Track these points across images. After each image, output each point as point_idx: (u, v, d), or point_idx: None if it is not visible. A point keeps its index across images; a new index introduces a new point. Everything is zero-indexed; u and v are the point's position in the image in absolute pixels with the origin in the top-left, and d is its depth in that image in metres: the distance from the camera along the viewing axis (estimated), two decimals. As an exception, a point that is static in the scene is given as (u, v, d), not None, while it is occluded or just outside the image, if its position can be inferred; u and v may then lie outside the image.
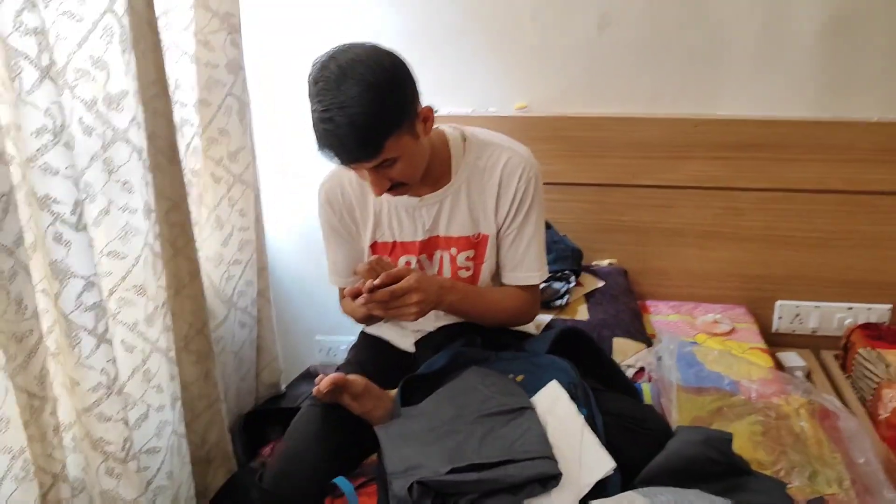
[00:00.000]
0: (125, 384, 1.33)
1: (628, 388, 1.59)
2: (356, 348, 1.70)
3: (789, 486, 1.39)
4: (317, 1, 2.08)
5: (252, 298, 1.98)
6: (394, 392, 1.49)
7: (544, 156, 1.60)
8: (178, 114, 1.66)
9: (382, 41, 1.31)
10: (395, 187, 1.40)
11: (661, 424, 1.44)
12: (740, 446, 1.42)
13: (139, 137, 1.33)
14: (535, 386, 1.42)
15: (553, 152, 2.01)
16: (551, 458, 1.23)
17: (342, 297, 1.63)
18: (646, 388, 1.74)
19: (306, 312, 2.35)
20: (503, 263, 1.58)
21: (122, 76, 1.27)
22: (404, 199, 1.51)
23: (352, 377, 1.43)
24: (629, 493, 1.23)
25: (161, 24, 1.46)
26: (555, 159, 2.01)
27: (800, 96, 1.98)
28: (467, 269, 1.56)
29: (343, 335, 2.37)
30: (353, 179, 1.53)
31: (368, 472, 1.47)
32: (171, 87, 1.56)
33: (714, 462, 1.32)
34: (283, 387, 2.21)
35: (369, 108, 1.24)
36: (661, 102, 2.04)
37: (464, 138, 1.52)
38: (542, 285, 1.79)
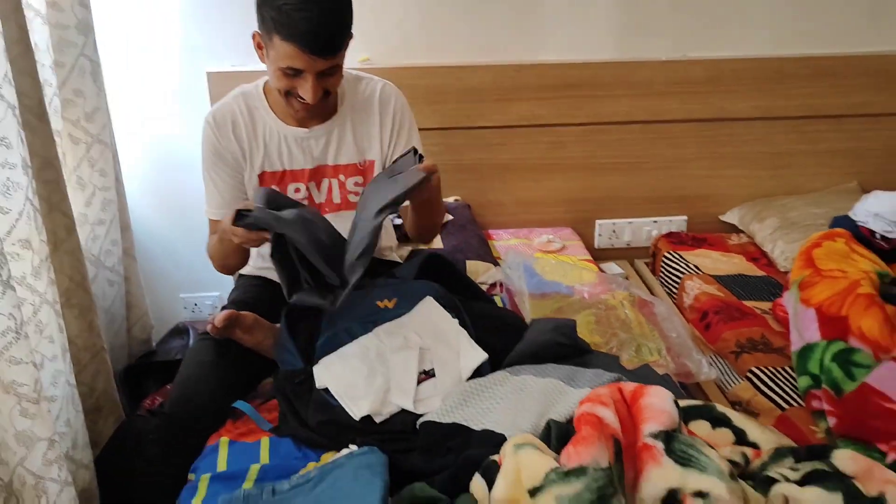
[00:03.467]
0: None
1: (486, 299, 1.84)
2: (238, 290, 1.80)
3: (621, 359, 1.70)
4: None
5: (118, 257, 2.02)
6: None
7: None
8: (41, 74, 1.67)
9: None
10: (321, 98, 1.52)
11: (518, 321, 1.69)
12: (580, 333, 1.70)
13: (11, 94, 1.35)
14: (408, 307, 1.60)
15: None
16: None
17: (213, 231, 1.68)
18: (498, 299, 2.00)
19: (170, 270, 2.39)
20: None
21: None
22: (293, 130, 1.63)
23: (242, 312, 1.55)
24: (498, 372, 1.47)
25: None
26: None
27: (605, 41, 2.30)
28: (356, 193, 1.71)
29: (207, 291, 2.45)
30: (244, 110, 1.62)
31: (263, 395, 1.61)
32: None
33: (563, 345, 1.57)
34: (154, 343, 2.26)
35: (342, 5, 1.43)
36: (489, 51, 2.28)
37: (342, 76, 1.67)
38: (399, 222, 2.01)
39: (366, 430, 1.38)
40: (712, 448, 1.09)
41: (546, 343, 1.57)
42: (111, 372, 1.81)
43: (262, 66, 1.53)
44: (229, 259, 1.65)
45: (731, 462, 1.17)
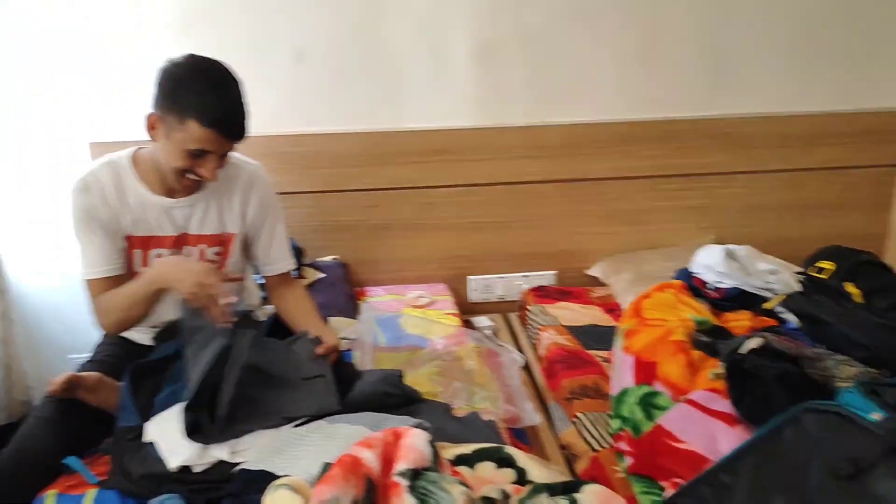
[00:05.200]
0: None
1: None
2: (100, 347, 1.88)
3: (453, 406, 1.81)
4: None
5: (-6, 321, 2.11)
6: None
7: (263, 169, 1.88)
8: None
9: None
10: None
11: (355, 374, 1.80)
12: (420, 384, 1.81)
13: None
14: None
15: (270, 166, 2.30)
16: None
17: (96, 292, 1.74)
18: (355, 354, 2.10)
19: (57, 332, 2.47)
20: (264, 260, 1.90)
21: None
22: (160, 200, 1.75)
23: (84, 374, 1.62)
24: (317, 421, 1.57)
25: None
26: (273, 172, 2.28)
27: (464, 109, 2.47)
28: (214, 262, 1.84)
29: (95, 351, 2.53)
30: (111, 178, 1.72)
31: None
32: None
33: (389, 395, 1.67)
34: (35, 404, 2.32)
35: (243, 93, 1.64)
36: (357, 119, 2.43)
37: None
38: (263, 281, 2.12)
39: (183, 480, 1.47)
40: (464, 485, 1.20)
41: (373, 393, 1.67)
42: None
43: (143, 138, 1.65)
44: (135, 310, 1.71)
45: (488, 499, 1.29)
